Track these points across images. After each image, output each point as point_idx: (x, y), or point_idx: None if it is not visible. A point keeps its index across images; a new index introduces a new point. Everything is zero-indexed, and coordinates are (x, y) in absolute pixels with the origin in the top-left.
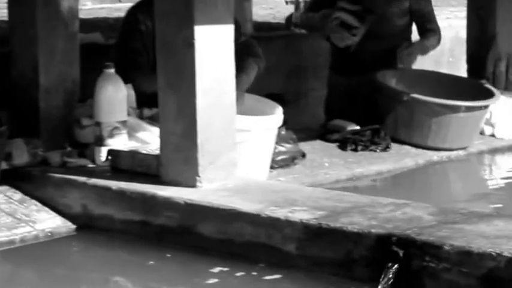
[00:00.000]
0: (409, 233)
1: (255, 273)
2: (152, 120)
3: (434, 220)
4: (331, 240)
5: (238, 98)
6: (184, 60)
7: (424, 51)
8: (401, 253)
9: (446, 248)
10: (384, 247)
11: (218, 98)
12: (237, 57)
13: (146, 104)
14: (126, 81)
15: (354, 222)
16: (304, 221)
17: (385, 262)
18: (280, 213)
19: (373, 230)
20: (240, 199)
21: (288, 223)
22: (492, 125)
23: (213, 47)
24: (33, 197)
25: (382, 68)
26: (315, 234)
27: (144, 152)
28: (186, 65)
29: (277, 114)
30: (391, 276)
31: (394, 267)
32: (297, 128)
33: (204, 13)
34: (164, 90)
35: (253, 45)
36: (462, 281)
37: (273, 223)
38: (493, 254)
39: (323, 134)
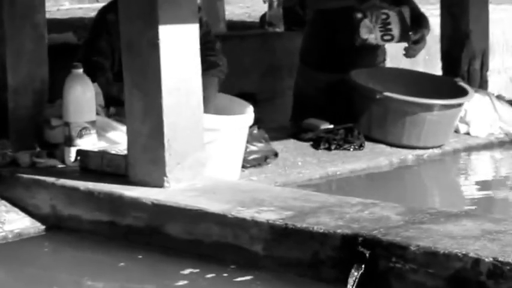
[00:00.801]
0: (375, 234)
1: (225, 275)
2: (118, 116)
3: (401, 220)
4: (298, 240)
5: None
6: (149, 60)
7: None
8: (367, 254)
9: (413, 248)
10: (350, 247)
11: (184, 97)
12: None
13: (113, 101)
14: (93, 81)
15: (321, 223)
16: (270, 221)
17: (351, 263)
18: (247, 213)
19: (339, 231)
20: (208, 199)
21: (255, 223)
22: (467, 123)
23: (178, 46)
24: (2, 197)
25: (364, 65)
26: (281, 235)
27: (113, 152)
28: (151, 65)
29: (248, 114)
30: (357, 277)
31: (360, 268)
32: (271, 127)
33: (168, 13)
34: (130, 90)
35: (212, 41)
36: (429, 282)
37: (240, 223)
38: (459, 254)
39: (296, 133)
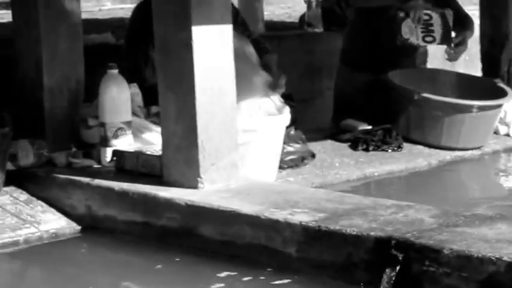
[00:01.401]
0: (408, 236)
1: (262, 278)
2: (158, 117)
3: (435, 223)
4: (331, 243)
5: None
6: (182, 61)
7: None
8: (400, 257)
9: (446, 252)
10: (383, 250)
11: (218, 98)
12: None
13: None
14: (132, 81)
15: (354, 225)
16: (303, 223)
17: (384, 266)
18: (280, 215)
19: (372, 233)
20: (241, 200)
21: (288, 225)
22: (507, 124)
23: (212, 47)
24: (39, 197)
25: (404, 66)
26: (314, 237)
27: (148, 152)
28: (184, 66)
29: (285, 114)
30: (391, 280)
31: (393, 271)
32: (308, 128)
33: (201, 13)
34: (164, 91)
35: (261, 42)
36: (462, 285)
37: (273, 225)
38: (493, 258)
39: (334, 134)
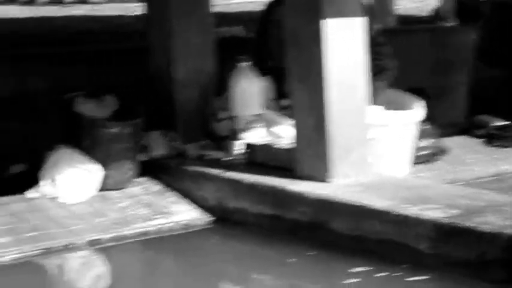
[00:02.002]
0: None
1: (397, 274)
2: (288, 110)
3: None
4: (464, 240)
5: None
6: (313, 54)
7: None
8: None
9: None
10: None
11: (348, 91)
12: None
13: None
14: (264, 74)
15: (488, 222)
16: (435, 219)
17: None
18: (411, 210)
19: (507, 231)
20: (371, 195)
21: (419, 221)
22: None
23: (342, 40)
24: (170, 188)
25: None
26: (447, 234)
27: (278, 146)
28: (314, 59)
29: (416, 109)
30: None
31: None
32: (441, 123)
33: (332, 6)
34: (295, 84)
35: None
36: None
37: (404, 221)
38: None
39: (467, 129)
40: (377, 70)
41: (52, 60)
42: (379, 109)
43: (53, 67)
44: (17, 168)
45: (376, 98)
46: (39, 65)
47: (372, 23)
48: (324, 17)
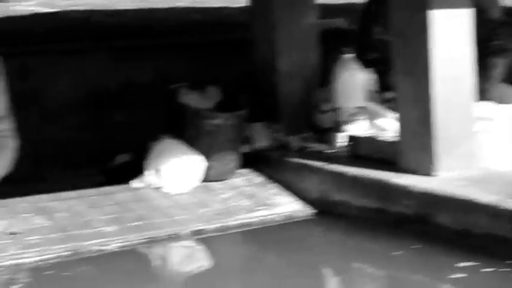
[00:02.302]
0: None
1: (504, 270)
2: (391, 103)
3: None
4: None
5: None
6: (418, 46)
7: None
8: None
9: None
10: None
11: (455, 84)
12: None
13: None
14: (367, 66)
15: None
16: None
17: None
18: None
19: None
20: (477, 189)
21: None
22: None
23: (449, 32)
24: (273, 180)
25: None
26: None
27: (381, 138)
28: (420, 52)
29: None
30: None
31: None
32: None
33: None
34: (401, 76)
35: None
36: None
37: (510, 215)
38: None
39: None
40: (497, 50)
41: (156, 51)
42: (488, 103)
43: (157, 59)
44: (122, 158)
45: (490, 89)
46: (144, 56)
47: (493, 2)
48: (431, 8)
